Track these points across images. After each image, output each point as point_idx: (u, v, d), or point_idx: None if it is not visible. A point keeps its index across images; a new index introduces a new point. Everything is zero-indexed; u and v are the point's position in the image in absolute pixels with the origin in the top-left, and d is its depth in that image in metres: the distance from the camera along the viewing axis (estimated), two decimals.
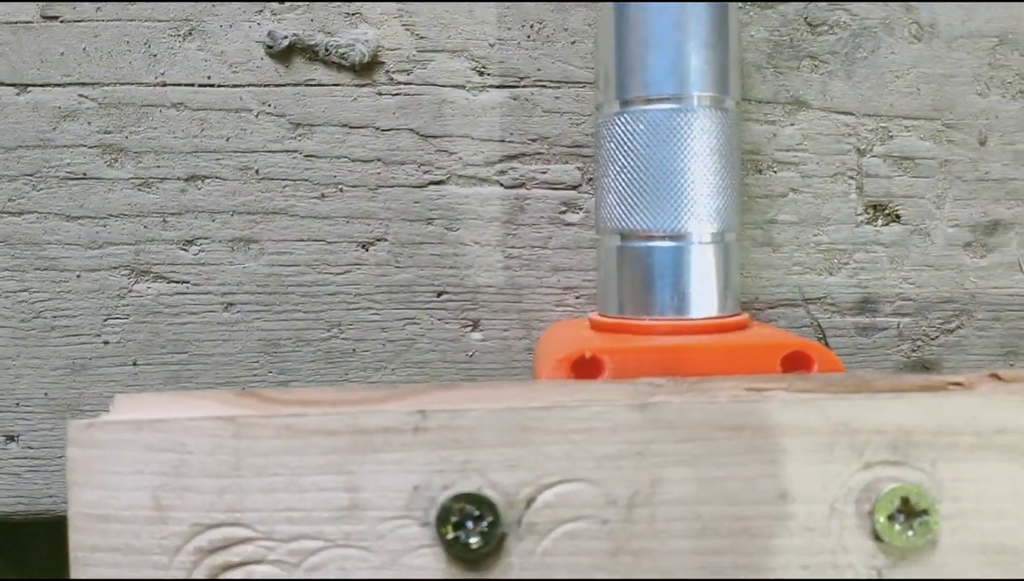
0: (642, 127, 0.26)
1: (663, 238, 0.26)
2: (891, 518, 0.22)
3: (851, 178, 0.31)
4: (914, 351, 0.31)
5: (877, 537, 0.22)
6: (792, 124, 0.31)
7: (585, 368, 0.25)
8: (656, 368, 0.25)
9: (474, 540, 0.22)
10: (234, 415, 0.23)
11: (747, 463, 0.22)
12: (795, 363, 0.25)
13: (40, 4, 0.30)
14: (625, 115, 0.26)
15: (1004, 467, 0.22)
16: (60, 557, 0.65)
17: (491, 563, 0.22)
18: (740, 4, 0.30)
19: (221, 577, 0.22)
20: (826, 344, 0.30)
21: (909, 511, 0.22)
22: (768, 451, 0.22)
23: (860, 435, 0.22)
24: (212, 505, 0.22)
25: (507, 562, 0.22)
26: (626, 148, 0.26)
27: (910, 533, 0.22)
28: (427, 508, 0.22)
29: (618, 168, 0.26)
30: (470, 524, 0.22)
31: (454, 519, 0.21)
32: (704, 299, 0.26)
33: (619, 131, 0.26)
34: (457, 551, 0.22)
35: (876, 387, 0.23)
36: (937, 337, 0.31)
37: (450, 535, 0.22)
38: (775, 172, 0.31)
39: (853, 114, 0.31)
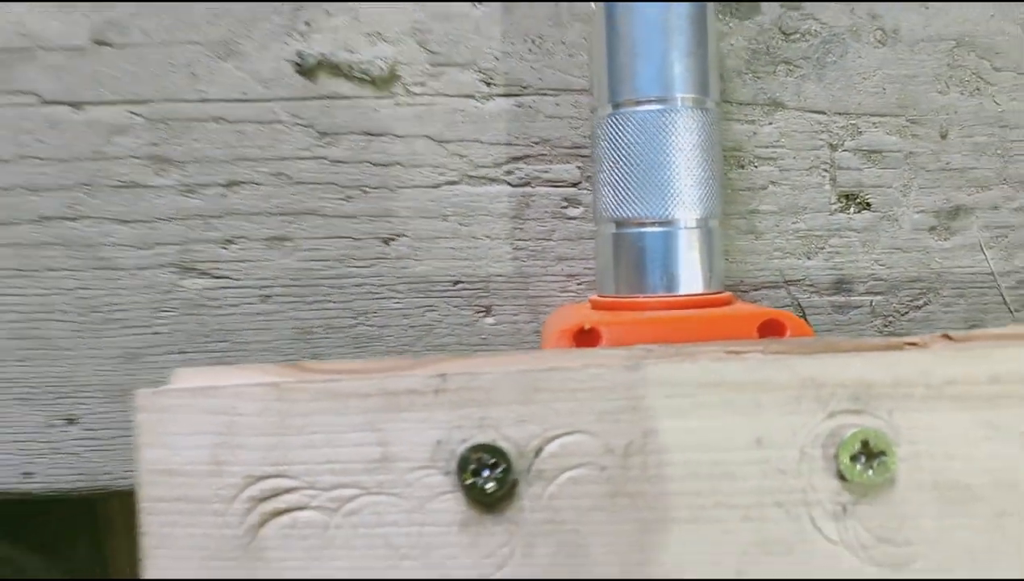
0: (632, 126, 0.28)
1: (653, 224, 0.28)
2: (853, 459, 0.24)
3: (825, 171, 0.33)
4: (886, 326, 0.33)
5: (842, 477, 0.24)
6: (770, 123, 0.33)
7: (585, 339, 0.27)
8: (648, 338, 0.27)
9: (490, 485, 0.24)
10: (278, 382, 0.25)
11: (726, 415, 0.24)
12: (770, 330, 0.27)
13: (92, 29, 0.33)
14: (617, 116, 0.28)
15: (953, 415, 0.24)
16: (102, 557, 0.67)
17: (505, 505, 0.24)
18: (720, 16, 0.33)
19: (271, 522, 0.25)
20: (806, 321, 0.33)
21: (869, 453, 0.24)
22: (744, 404, 0.24)
23: (825, 388, 0.25)
24: (261, 460, 0.25)
25: (519, 504, 0.25)
26: (618, 145, 0.28)
27: (870, 472, 0.24)
28: (448, 459, 0.24)
29: (612, 163, 0.29)
30: (486, 472, 0.24)
31: (472, 467, 0.23)
32: (691, 278, 0.28)
33: (612, 131, 0.29)
34: (475, 495, 0.24)
35: (840, 347, 0.25)
36: (907, 313, 0.33)
37: (469, 481, 0.24)
38: (756, 167, 0.33)
39: (825, 113, 0.33)
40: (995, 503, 0.24)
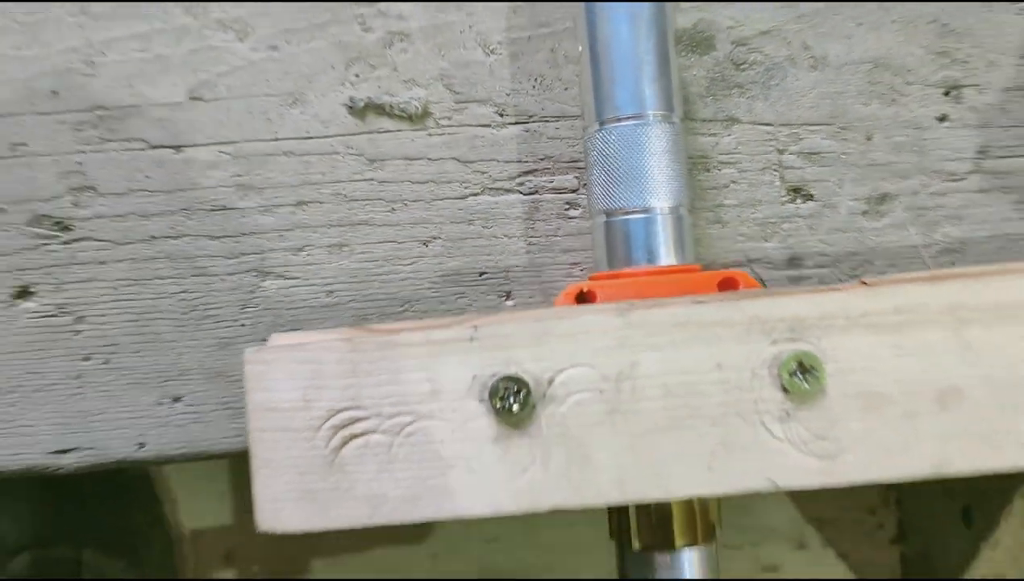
0: (614, 138, 0.32)
1: (635, 212, 0.32)
2: (792, 374, 0.28)
3: (775, 170, 0.37)
4: None
5: (784, 389, 0.28)
6: (729, 135, 0.38)
7: (584, 299, 0.33)
8: (632, 296, 0.32)
9: (515, 407, 0.28)
10: (351, 337, 0.31)
11: (693, 347, 0.28)
12: (727, 285, 0.31)
13: (188, 88, 0.40)
14: (603, 131, 0.32)
15: (867, 338, 0.28)
16: (171, 560, 0.73)
17: (527, 423, 0.28)
18: (682, 53, 0.38)
19: (348, 443, 0.31)
20: (762, 283, 0.38)
21: (803, 369, 0.28)
22: (707, 338, 0.29)
23: (768, 323, 0.29)
24: (340, 397, 0.29)
25: (538, 423, 0.28)
26: (605, 153, 0.32)
27: (806, 385, 0.29)
28: (482, 390, 0.28)
29: (601, 167, 0.33)
30: (512, 398, 0.28)
31: (500, 395, 0.28)
32: (666, 253, 0.32)
33: (600, 142, 0.33)
34: (504, 416, 0.28)
35: (779, 293, 0.30)
36: (848, 282, 0.39)
37: (498, 405, 0.28)
38: (719, 170, 0.37)
39: (772, 125, 0.37)
40: (904, 406, 0.29)
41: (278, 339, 0.31)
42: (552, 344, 0.29)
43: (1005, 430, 0.28)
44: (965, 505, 0.69)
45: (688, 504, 0.33)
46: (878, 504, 0.90)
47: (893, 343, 0.29)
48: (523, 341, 0.29)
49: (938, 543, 0.77)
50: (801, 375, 0.28)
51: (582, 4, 0.34)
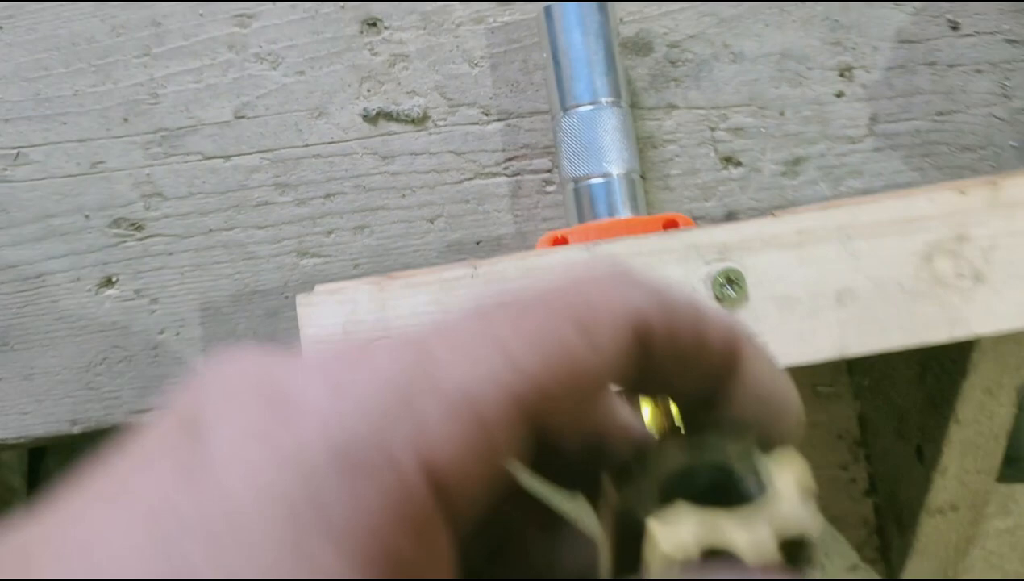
0: (575, 120, 0.38)
1: (596, 177, 0.39)
2: (722, 286, 0.35)
3: (709, 145, 0.44)
4: None
5: (717, 298, 0.35)
6: (671, 118, 0.45)
7: (559, 243, 0.40)
8: (596, 238, 0.40)
9: None
10: (379, 281, 0.38)
11: (646, 270, 0.37)
12: (669, 225, 0.39)
13: (233, 110, 0.47)
14: (566, 116, 0.39)
15: (777, 256, 0.35)
16: None
17: None
18: (628, 56, 0.46)
19: None
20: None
21: (730, 281, 0.35)
22: (656, 263, 0.36)
23: (702, 248, 0.36)
24: (373, 326, 0.36)
25: None
26: (569, 133, 0.39)
27: (733, 293, 0.36)
28: None
29: (567, 144, 0.41)
30: None
31: None
32: (623, 208, 0.40)
33: (565, 125, 0.39)
34: None
35: (708, 226, 0.37)
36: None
37: None
38: (665, 147, 0.44)
39: (704, 108, 0.43)
40: (810, 305, 0.36)
41: (321, 288, 0.37)
42: (535, 275, 0.36)
43: (888, 318, 0.35)
44: (918, 444, 0.75)
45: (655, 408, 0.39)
46: (849, 461, 0.96)
47: (797, 257, 0.35)
48: (513, 274, 0.36)
49: (901, 486, 0.82)
50: (729, 286, 0.35)
51: (544, 21, 0.41)
